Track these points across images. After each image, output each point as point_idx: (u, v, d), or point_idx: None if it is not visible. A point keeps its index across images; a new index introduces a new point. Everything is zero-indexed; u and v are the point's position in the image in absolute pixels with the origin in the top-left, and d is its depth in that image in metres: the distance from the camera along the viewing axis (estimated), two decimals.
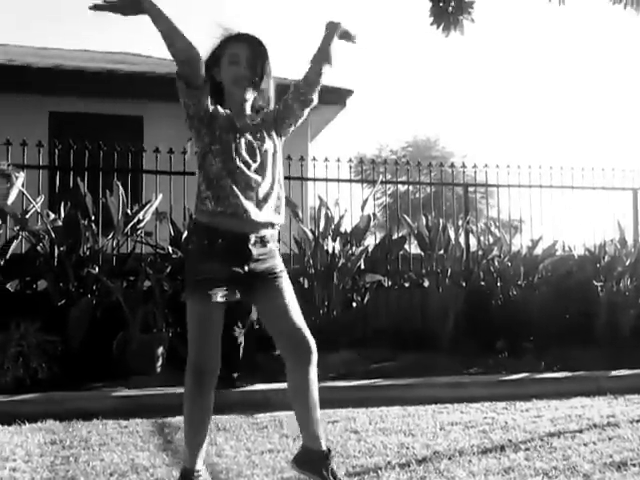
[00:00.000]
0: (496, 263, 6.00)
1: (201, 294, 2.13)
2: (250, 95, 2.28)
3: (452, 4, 5.47)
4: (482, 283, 5.96)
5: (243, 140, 2.21)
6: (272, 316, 2.28)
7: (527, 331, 5.49)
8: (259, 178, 2.20)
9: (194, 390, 2.18)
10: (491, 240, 6.18)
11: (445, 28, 5.47)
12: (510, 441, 3.04)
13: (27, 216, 4.88)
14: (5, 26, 39.26)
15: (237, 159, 2.17)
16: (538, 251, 6.07)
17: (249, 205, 2.16)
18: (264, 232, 2.23)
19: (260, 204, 2.19)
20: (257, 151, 2.23)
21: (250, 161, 2.20)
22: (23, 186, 4.90)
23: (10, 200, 4.78)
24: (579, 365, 4.76)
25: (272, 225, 2.26)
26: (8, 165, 4.82)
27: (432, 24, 5.48)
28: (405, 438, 3.12)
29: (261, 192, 2.20)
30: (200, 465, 2.20)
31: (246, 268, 2.18)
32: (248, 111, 2.30)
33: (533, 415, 3.64)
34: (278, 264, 2.27)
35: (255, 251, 2.19)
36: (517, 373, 4.60)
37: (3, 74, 7.44)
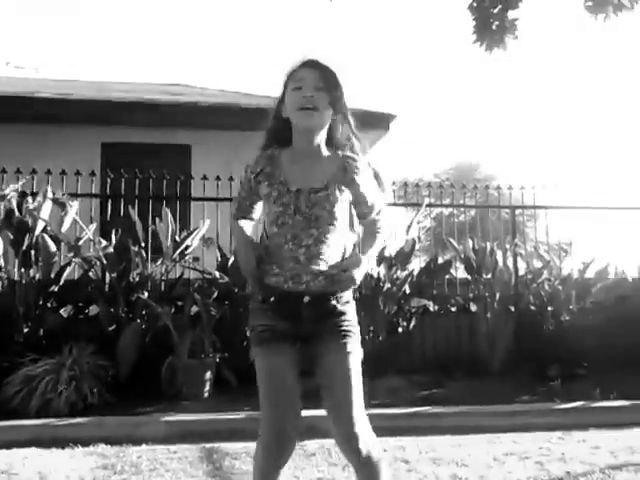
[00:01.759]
0: (546, 287, 5.86)
1: (264, 346, 1.95)
2: (318, 121, 1.98)
3: (496, 23, 5.47)
4: (532, 307, 5.81)
5: (293, 203, 1.95)
6: (324, 387, 1.95)
7: (580, 357, 5.32)
8: (321, 239, 1.96)
9: (263, 461, 1.94)
10: (540, 263, 6.04)
11: (488, 46, 5.47)
12: (568, 473, 2.93)
13: (80, 243, 5.02)
14: (59, 60, 40.99)
15: (290, 234, 1.95)
16: (590, 274, 5.90)
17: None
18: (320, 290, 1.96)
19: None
20: (311, 214, 1.95)
21: (303, 234, 1.95)
22: (77, 214, 5.07)
23: (64, 228, 4.95)
24: (637, 393, 4.57)
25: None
26: (63, 194, 5.00)
27: (475, 42, 5.48)
28: (458, 469, 3.05)
29: (320, 253, 1.95)
30: None
31: (301, 326, 1.95)
32: (320, 152, 2.03)
33: (591, 446, 3.50)
34: (345, 323, 1.97)
35: (308, 311, 1.94)
36: (572, 401, 4.44)
37: (60, 107, 7.74)
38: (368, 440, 1.88)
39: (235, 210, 2.15)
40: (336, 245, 1.98)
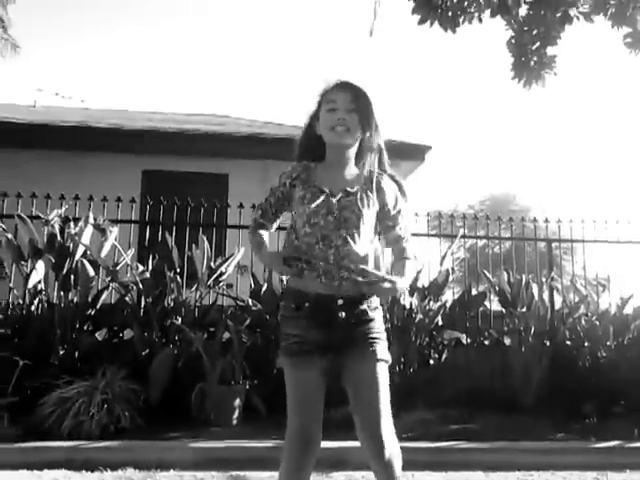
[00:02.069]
0: (583, 322, 5.73)
1: (293, 359, 2.03)
2: (350, 141, 2.11)
3: (534, 59, 5.47)
4: (568, 343, 5.68)
5: (326, 205, 2.06)
6: (352, 393, 2.03)
7: (617, 395, 5.17)
8: (349, 240, 2.04)
9: (291, 463, 2.02)
10: (577, 298, 5.93)
11: (527, 82, 5.46)
12: None
13: (118, 268, 5.15)
14: (99, 90, 42.47)
15: (320, 234, 2.04)
16: (628, 310, 5.76)
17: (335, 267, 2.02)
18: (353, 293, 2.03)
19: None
20: (341, 216, 2.05)
21: (333, 235, 2.04)
22: (116, 239, 5.22)
23: (104, 253, 5.09)
24: None
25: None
26: (104, 220, 5.15)
27: (514, 78, 5.48)
28: None
29: (349, 254, 2.03)
30: None
31: (335, 332, 2.01)
32: (351, 164, 2.15)
33: None
34: (374, 330, 2.04)
35: (341, 315, 2.01)
36: (608, 440, 4.30)
37: (104, 136, 8.03)
38: (392, 445, 1.96)
39: (258, 216, 2.24)
40: (363, 249, 2.06)
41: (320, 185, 2.08)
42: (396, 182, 2.20)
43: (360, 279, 1.98)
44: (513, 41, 5.46)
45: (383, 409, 1.98)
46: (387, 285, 1.98)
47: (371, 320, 2.04)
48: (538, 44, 5.45)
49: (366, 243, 2.08)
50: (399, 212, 2.16)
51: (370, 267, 2.04)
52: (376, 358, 2.01)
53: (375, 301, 2.08)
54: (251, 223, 2.27)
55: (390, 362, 2.06)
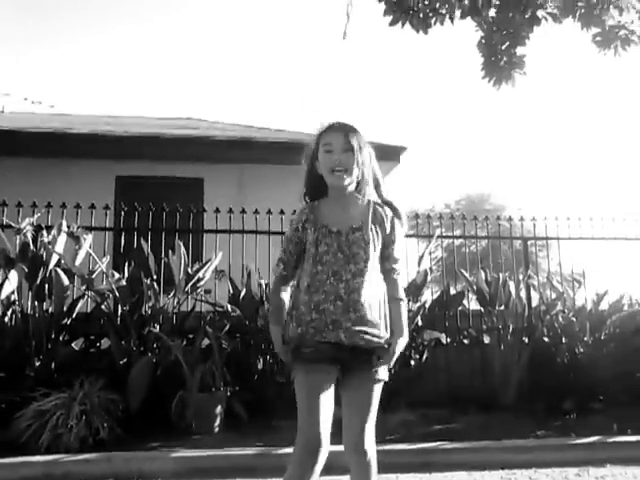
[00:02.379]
0: (560, 319, 5.80)
1: (308, 366, 2.13)
2: (349, 181, 2.25)
3: (504, 59, 5.53)
4: (546, 339, 5.75)
5: (335, 243, 2.20)
6: (346, 402, 2.19)
7: (596, 390, 5.25)
8: (358, 275, 2.18)
9: (297, 469, 2.08)
10: (554, 295, 6.00)
11: (497, 82, 5.52)
12: None
13: (93, 276, 5.06)
14: (69, 94, 41.86)
15: (331, 270, 2.18)
16: (604, 306, 5.84)
17: (339, 316, 2.15)
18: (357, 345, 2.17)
19: (348, 311, 2.16)
20: (349, 252, 2.20)
21: (342, 270, 2.18)
22: (90, 247, 5.13)
23: (78, 261, 5.00)
24: None
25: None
26: (77, 227, 5.06)
27: (484, 77, 5.54)
28: None
29: (358, 287, 2.17)
30: None
31: (342, 352, 2.14)
32: (352, 198, 2.28)
33: None
34: (374, 359, 2.18)
35: (347, 335, 2.14)
36: (588, 436, 4.35)
37: (75, 142, 7.90)
38: (371, 449, 2.14)
39: (281, 269, 2.35)
40: (371, 281, 2.20)
41: (328, 225, 2.23)
42: (393, 209, 2.32)
43: (362, 343, 2.14)
44: (483, 41, 5.51)
45: (369, 420, 2.15)
46: (389, 358, 2.17)
47: (379, 345, 2.18)
48: (507, 44, 5.51)
49: (374, 274, 2.22)
50: (393, 241, 2.29)
51: (375, 315, 2.19)
52: (375, 379, 2.17)
53: (382, 334, 2.21)
54: (275, 277, 2.39)
55: (387, 380, 2.21)
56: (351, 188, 2.28)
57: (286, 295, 2.33)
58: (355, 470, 2.15)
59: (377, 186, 2.33)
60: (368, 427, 2.14)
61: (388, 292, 2.26)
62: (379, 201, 2.32)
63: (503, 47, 5.51)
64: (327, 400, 2.10)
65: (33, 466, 3.65)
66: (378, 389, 2.18)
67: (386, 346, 2.18)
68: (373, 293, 2.19)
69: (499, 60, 5.54)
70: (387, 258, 2.27)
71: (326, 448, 2.07)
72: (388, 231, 2.27)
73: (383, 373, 2.19)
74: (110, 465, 3.70)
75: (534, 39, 5.47)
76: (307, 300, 2.16)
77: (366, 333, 2.14)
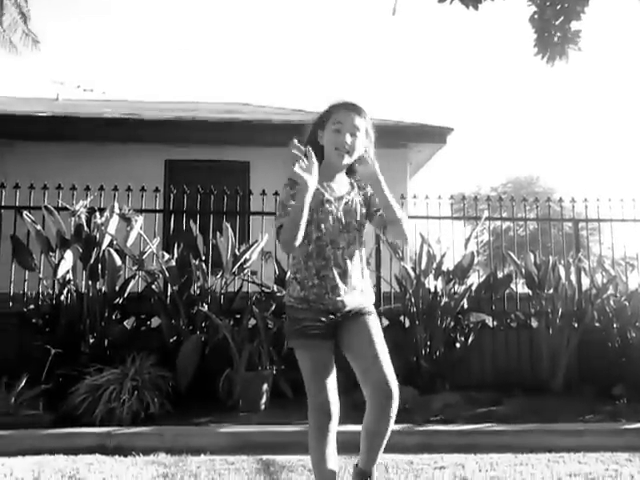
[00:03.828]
0: (612, 302, 5.65)
1: (301, 340, 2.30)
2: (348, 162, 2.36)
3: (558, 34, 5.36)
4: (596, 324, 5.62)
5: (331, 212, 2.32)
6: (355, 353, 2.31)
7: None
8: (351, 242, 2.34)
9: (319, 437, 2.27)
10: (605, 279, 5.84)
11: (550, 58, 5.36)
12: None
13: (144, 257, 5.21)
14: (118, 81, 42.73)
15: (328, 238, 2.30)
16: None
17: (338, 282, 2.29)
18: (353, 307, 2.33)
19: (346, 277, 2.31)
20: (344, 221, 2.33)
21: (339, 238, 2.31)
22: (141, 229, 5.27)
23: (130, 242, 5.15)
24: None
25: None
26: (129, 210, 5.20)
27: (536, 55, 5.39)
28: None
29: (353, 254, 2.33)
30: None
31: (337, 314, 2.31)
32: (342, 176, 2.41)
33: None
34: (366, 303, 2.35)
35: (345, 301, 2.30)
36: (638, 421, 4.25)
37: (126, 127, 8.09)
38: (395, 386, 2.21)
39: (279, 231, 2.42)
40: (362, 248, 2.38)
41: (324, 194, 2.32)
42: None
43: (357, 308, 2.32)
44: (536, 16, 5.36)
45: (381, 351, 2.26)
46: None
47: (362, 297, 2.36)
48: (562, 19, 5.34)
49: (362, 243, 2.39)
50: (375, 199, 2.37)
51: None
52: (368, 324, 2.31)
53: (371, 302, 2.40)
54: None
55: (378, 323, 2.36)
56: (344, 170, 2.41)
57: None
58: (378, 409, 2.21)
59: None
60: (386, 359, 2.24)
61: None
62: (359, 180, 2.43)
63: (557, 22, 5.34)
64: (330, 369, 2.29)
65: (88, 437, 3.80)
66: (375, 322, 2.33)
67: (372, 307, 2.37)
68: (363, 260, 2.37)
69: (552, 36, 5.37)
70: (377, 211, 2.37)
71: (337, 407, 2.26)
72: (371, 192, 2.37)
73: (373, 315, 2.35)
74: (161, 439, 3.82)
75: (590, 13, 5.28)
76: (310, 266, 2.29)
77: (361, 298, 2.32)
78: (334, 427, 2.27)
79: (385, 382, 2.19)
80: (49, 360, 4.42)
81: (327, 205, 2.31)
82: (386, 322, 5.22)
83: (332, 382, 2.29)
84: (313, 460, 2.31)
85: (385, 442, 2.28)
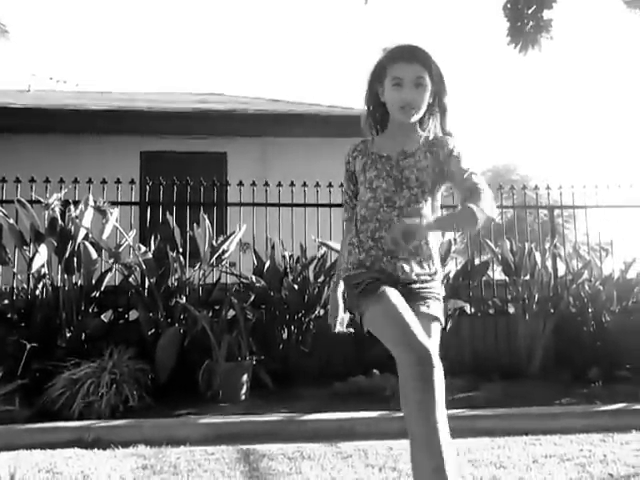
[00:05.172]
0: (587, 288, 5.74)
1: (369, 296, 1.98)
2: (416, 118, 2.12)
3: (531, 23, 5.41)
4: (572, 309, 5.70)
5: (386, 169, 2.11)
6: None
7: (623, 359, 5.20)
8: (412, 200, 2.07)
9: (415, 393, 1.76)
10: (580, 265, 5.93)
11: (523, 47, 5.41)
12: (611, 475, 2.86)
13: (120, 250, 5.16)
14: (91, 72, 42.12)
15: (383, 196, 2.09)
16: (631, 274, 5.76)
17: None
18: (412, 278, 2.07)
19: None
20: (401, 178, 2.08)
21: (395, 196, 2.08)
22: (117, 221, 5.21)
23: (105, 235, 5.09)
24: None
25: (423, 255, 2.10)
26: (104, 202, 5.14)
27: (510, 43, 5.43)
28: (496, 470, 3.00)
29: (412, 214, 2.02)
30: None
31: (398, 280, 2.05)
32: (411, 131, 2.15)
33: (634, 448, 3.41)
34: (429, 283, 2.09)
35: (404, 267, 2.05)
36: (613, 403, 4.33)
37: (100, 118, 7.97)
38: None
39: (345, 216, 2.29)
40: (427, 209, 2.08)
41: (379, 151, 2.14)
42: (450, 135, 2.16)
43: (415, 277, 2.06)
44: (509, 5, 5.40)
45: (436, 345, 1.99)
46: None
47: (429, 281, 2.09)
48: (534, 7, 5.39)
49: (429, 202, 2.10)
50: (459, 160, 2.04)
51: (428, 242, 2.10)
52: (432, 316, 2.04)
53: (435, 269, 2.13)
54: (343, 212, 2.30)
55: (443, 325, 2.10)
56: (416, 126, 2.16)
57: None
58: (425, 373, 1.77)
59: (443, 115, 2.17)
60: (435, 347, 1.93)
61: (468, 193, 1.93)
62: (441, 135, 2.15)
63: (529, 11, 5.39)
64: (411, 313, 1.92)
65: (66, 431, 3.76)
66: (437, 330, 2.04)
67: (436, 280, 2.10)
68: (425, 219, 1.97)
69: (525, 25, 5.42)
70: (463, 181, 1.97)
71: (439, 364, 1.79)
72: (452, 153, 2.05)
73: (438, 311, 2.06)
74: (140, 431, 3.80)
75: (560, 2, 5.35)
76: (365, 229, 2.10)
77: (420, 269, 2.06)
78: (439, 380, 1.77)
79: (429, 354, 1.79)
80: (25, 355, 4.37)
81: (381, 161, 2.11)
82: None
83: (420, 328, 1.87)
84: (420, 434, 1.77)
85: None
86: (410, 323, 1.86)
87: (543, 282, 5.75)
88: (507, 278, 5.85)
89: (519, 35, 5.41)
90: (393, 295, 1.96)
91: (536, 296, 5.67)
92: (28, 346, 4.37)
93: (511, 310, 5.75)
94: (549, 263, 5.91)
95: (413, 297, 2.04)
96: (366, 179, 2.13)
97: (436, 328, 2.04)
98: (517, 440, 3.65)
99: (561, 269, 5.98)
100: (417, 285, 2.07)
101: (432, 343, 1.91)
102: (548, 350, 5.30)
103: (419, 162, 2.08)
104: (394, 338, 1.87)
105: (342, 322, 2.19)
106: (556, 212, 6.42)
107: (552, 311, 5.62)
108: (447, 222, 2.08)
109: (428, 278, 2.10)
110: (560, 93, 50.33)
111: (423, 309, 2.03)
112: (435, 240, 2.15)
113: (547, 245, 6.10)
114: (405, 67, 2.05)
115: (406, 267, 2.06)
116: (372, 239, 2.08)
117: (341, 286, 2.26)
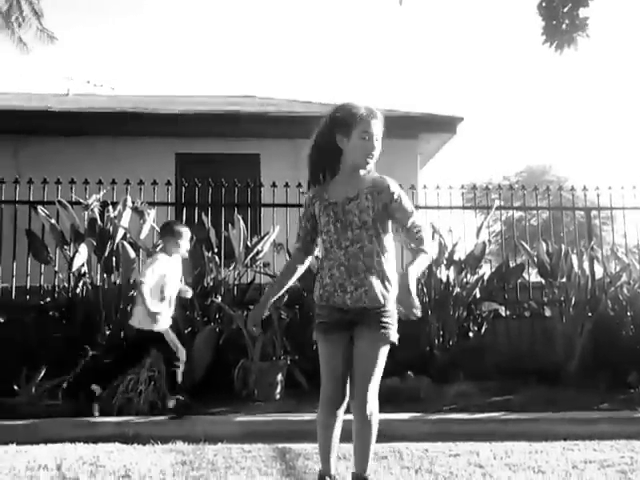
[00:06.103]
0: (625, 291, 5.63)
1: (321, 334, 2.47)
2: (372, 166, 2.48)
3: (566, 22, 5.34)
4: (610, 312, 5.60)
5: (336, 213, 2.42)
6: (354, 363, 2.43)
7: None
8: (356, 242, 2.39)
9: (321, 418, 2.49)
10: (618, 267, 5.82)
11: (558, 46, 5.34)
12: None
13: (157, 249, 5.23)
14: (126, 75, 42.86)
15: (332, 239, 2.42)
16: None
17: (345, 280, 2.39)
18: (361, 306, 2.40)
19: (351, 275, 2.37)
20: (345, 220, 2.40)
21: (341, 238, 2.40)
22: (154, 222, 5.30)
23: (143, 235, 5.18)
24: None
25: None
26: (141, 203, 5.24)
27: (544, 42, 5.37)
28: (534, 475, 2.98)
29: (353, 251, 2.39)
30: (334, 471, 2.55)
31: (350, 314, 2.40)
32: (358, 176, 2.46)
33: None
34: (375, 303, 2.37)
35: (352, 298, 2.38)
36: None
37: (137, 121, 8.12)
38: (373, 406, 2.38)
39: (295, 243, 2.64)
40: (371, 245, 2.39)
41: (329, 197, 2.46)
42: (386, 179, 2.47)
43: (364, 305, 2.37)
44: (544, 4, 5.34)
45: (372, 378, 2.38)
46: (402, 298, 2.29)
47: (382, 306, 2.38)
48: (570, 6, 5.32)
49: (374, 237, 2.39)
50: (399, 201, 2.40)
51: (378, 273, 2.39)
52: (378, 341, 2.38)
53: (381, 296, 2.41)
54: (295, 242, 2.65)
55: (395, 343, 2.41)
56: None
57: (302, 267, 2.60)
58: (356, 428, 2.41)
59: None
60: (371, 387, 2.37)
61: (413, 247, 2.38)
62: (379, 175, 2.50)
63: (565, 9, 5.32)
64: (342, 361, 2.43)
65: (107, 426, 3.86)
66: (384, 350, 2.39)
67: (387, 309, 2.38)
68: (374, 258, 2.37)
69: (560, 23, 5.35)
70: (402, 219, 2.38)
71: (345, 397, 2.44)
72: (392, 196, 2.39)
73: (389, 333, 2.38)
74: (179, 427, 3.87)
75: (597, 0, 5.26)
76: (324, 266, 2.45)
77: (367, 296, 2.36)
78: (338, 421, 2.46)
79: (363, 405, 2.35)
80: (67, 351, 4.47)
81: (330, 208, 2.43)
82: None
83: (342, 376, 2.43)
84: (318, 447, 2.55)
85: (371, 446, 2.42)
86: (333, 371, 2.44)
87: (580, 285, 5.66)
88: (543, 280, 5.77)
89: (554, 34, 5.34)
90: (329, 341, 2.44)
91: (573, 299, 5.58)
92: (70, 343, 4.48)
93: (547, 313, 5.67)
94: (586, 265, 5.81)
95: (360, 320, 2.39)
96: (321, 224, 2.47)
97: (374, 348, 2.38)
98: (555, 445, 3.61)
99: (598, 272, 5.88)
100: (362, 311, 2.38)
101: (358, 380, 2.39)
102: (585, 354, 5.21)
103: (360, 204, 2.40)
104: (323, 375, 2.48)
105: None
106: (593, 213, 6.32)
107: (590, 314, 5.53)
108: (413, 271, 2.30)
109: (375, 305, 2.38)
110: (599, 92, 49.45)
111: (365, 332, 2.38)
112: (382, 267, 2.40)
113: (583, 247, 6.00)
114: (374, 123, 2.43)
115: (349, 301, 2.38)
116: (329, 276, 2.42)
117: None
